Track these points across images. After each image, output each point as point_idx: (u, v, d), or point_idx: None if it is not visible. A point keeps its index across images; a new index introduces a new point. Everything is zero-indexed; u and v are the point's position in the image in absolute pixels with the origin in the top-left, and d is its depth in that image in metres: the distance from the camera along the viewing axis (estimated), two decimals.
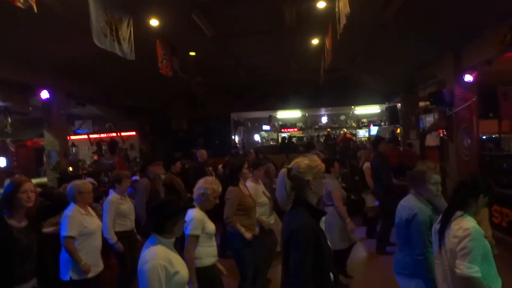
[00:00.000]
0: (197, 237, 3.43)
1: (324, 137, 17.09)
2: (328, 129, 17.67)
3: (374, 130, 17.89)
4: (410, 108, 11.60)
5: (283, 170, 2.38)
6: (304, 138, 18.21)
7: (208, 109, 14.21)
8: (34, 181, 9.79)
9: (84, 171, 10.09)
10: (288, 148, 13.40)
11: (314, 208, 2.32)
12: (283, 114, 18.26)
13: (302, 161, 2.36)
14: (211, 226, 3.59)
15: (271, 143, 18.27)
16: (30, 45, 6.78)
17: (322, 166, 2.40)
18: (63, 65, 8.13)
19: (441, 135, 9.40)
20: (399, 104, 12.56)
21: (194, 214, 3.44)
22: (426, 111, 10.25)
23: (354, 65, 11.45)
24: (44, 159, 9.24)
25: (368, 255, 6.37)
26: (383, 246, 6.26)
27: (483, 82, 7.69)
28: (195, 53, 9.68)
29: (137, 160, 13.34)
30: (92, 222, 4.13)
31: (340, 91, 13.58)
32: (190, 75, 10.24)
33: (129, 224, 5.06)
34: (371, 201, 6.78)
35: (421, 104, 11.74)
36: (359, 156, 7.67)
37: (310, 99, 14.07)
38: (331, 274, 2.26)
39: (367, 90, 13.48)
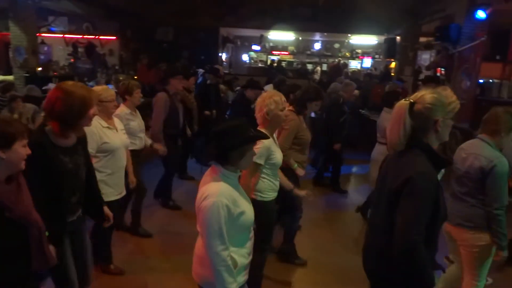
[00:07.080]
0: (259, 165, 2.89)
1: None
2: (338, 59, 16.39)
3: (367, 62, 17.21)
4: (409, 43, 10.97)
5: (403, 103, 1.87)
6: (295, 63, 17.42)
7: (197, 19, 13.09)
8: (0, 77, 9.10)
9: (55, 73, 9.29)
10: (272, 73, 12.69)
11: (436, 154, 1.86)
12: (275, 36, 17.19)
13: (430, 94, 1.85)
14: (278, 156, 3.03)
15: (260, 65, 17.45)
16: None
17: (457, 104, 1.95)
18: None
19: (438, 74, 8.96)
20: (399, 38, 11.86)
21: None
22: (427, 47, 9.68)
23: None
24: (10, 54, 8.43)
25: None
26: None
27: (496, 21, 7.10)
28: None
29: (116, 67, 12.54)
30: (115, 137, 3.46)
31: (338, 16, 12.58)
32: None
33: (138, 143, 4.28)
34: None
35: (422, 39, 11.09)
36: None
37: (306, 22, 13.05)
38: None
39: (367, 19, 12.53)
